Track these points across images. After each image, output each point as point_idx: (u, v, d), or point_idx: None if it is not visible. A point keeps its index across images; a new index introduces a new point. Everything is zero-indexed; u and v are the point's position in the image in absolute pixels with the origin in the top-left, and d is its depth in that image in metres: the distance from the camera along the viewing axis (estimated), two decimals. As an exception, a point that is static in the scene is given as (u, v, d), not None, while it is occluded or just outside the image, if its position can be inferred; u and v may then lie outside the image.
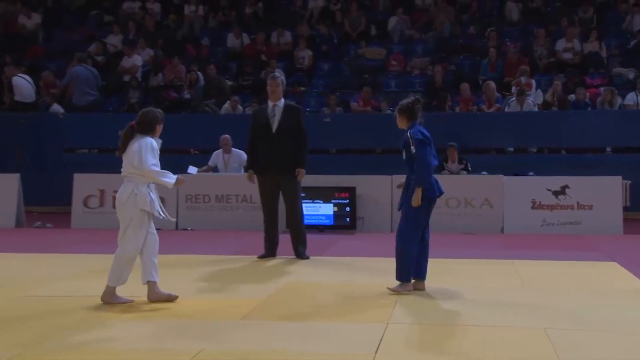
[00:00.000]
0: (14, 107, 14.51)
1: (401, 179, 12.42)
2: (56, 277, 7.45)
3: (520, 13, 17.30)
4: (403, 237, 6.55)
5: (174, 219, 6.33)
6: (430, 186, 6.52)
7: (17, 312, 5.93)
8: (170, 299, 6.23)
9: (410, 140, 6.49)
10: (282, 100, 8.61)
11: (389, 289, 6.64)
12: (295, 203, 8.60)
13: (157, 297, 6.21)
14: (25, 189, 11.99)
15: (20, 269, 8.00)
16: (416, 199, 6.45)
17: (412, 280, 6.61)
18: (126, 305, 6.14)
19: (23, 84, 14.52)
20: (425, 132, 6.58)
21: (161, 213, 6.23)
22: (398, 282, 6.58)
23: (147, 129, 6.18)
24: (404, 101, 6.72)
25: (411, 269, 6.56)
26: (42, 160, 13.93)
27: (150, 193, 6.17)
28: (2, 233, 11.07)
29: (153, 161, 6.07)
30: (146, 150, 6.07)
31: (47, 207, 13.31)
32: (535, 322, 5.62)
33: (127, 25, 17.24)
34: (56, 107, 14.85)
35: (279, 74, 9.05)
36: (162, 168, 6.16)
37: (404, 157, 6.60)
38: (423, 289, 6.64)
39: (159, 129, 6.27)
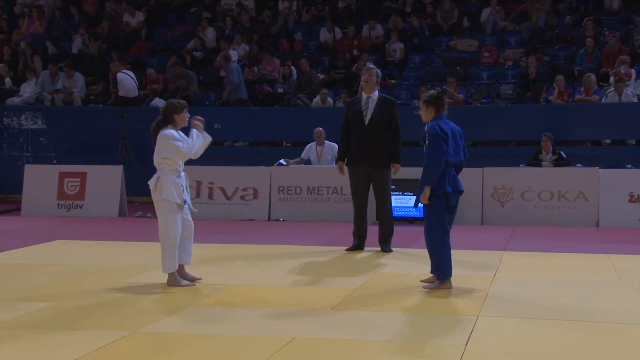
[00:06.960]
0: (118, 102, 15.11)
1: (493, 171, 12.23)
2: (152, 264, 7.67)
3: (621, 1, 16.75)
4: (427, 234, 6.48)
5: (196, 210, 6.78)
6: (439, 182, 6.26)
7: (113, 298, 6.22)
8: (194, 280, 6.62)
9: (426, 134, 6.31)
10: (377, 92, 8.55)
11: (422, 281, 6.65)
12: (385, 196, 8.62)
13: (184, 276, 6.63)
14: (127, 180, 12.51)
15: (120, 256, 8.40)
16: (424, 197, 6.29)
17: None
18: (217, 292, 6.38)
19: (126, 80, 15.05)
20: (445, 126, 6.28)
21: (187, 202, 6.58)
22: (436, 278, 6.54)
23: (166, 121, 6.59)
24: (431, 92, 6.49)
25: (447, 266, 6.40)
26: (143, 152, 14.44)
27: (175, 181, 6.51)
28: (106, 222, 11.62)
29: (181, 144, 6.46)
30: (172, 140, 6.46)
31: (148, 198, 13.78)
32: (633, 318, 5.54)
33: (224, 21, 17.71)
34: (157, 102, 15.37)
35: (374, 66, 8.96)
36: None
37: (424, 150, 6.39)
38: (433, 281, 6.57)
39: (179, 118, 6.59)
